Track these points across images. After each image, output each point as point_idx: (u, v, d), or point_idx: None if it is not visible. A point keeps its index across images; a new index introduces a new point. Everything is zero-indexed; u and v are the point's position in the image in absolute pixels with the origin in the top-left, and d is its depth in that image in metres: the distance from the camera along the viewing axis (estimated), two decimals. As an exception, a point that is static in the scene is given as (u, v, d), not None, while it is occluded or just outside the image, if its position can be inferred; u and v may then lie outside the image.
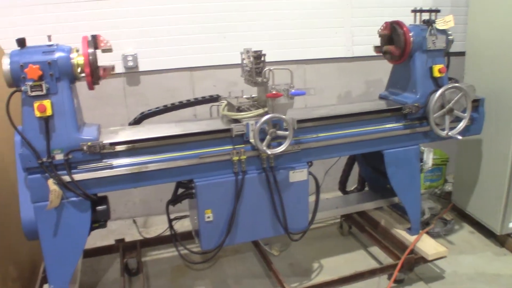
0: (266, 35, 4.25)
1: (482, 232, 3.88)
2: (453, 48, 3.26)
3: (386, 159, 3.15)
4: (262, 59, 2.75)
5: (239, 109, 2.81)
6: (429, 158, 3.26)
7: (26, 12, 3.67)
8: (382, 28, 3.17)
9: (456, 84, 3.08)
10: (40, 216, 2.43)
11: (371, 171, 3.69)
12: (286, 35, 4.33)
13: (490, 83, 3.52)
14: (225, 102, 2.97)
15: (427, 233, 3.45)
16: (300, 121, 2.78)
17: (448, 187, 4.60)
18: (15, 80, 2.25)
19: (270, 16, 4.25)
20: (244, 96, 2.98)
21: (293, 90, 2.66)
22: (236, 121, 2.75)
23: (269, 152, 2.66)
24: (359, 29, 4.45)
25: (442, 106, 3.08)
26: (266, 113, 2.69)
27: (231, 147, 2.72)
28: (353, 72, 4.61)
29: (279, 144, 2.71)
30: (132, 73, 4.07)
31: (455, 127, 3.15)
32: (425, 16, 3.13)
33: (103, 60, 2.48)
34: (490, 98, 3.40)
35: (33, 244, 2.67)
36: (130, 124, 2.96)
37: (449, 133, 3.12)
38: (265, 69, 2.70)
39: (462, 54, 3.89)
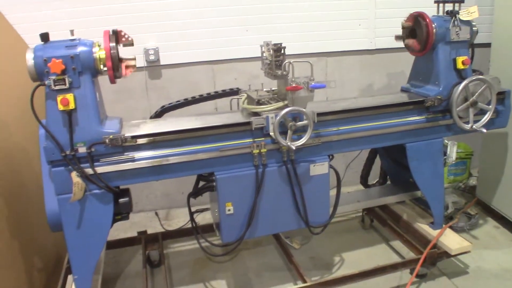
0: (289, 27, 4.23)
1: (507, 227, 3.80)
2: (478, 40, 3.19)
3: (409, 153, 3.11)
4: (282, 51, 2.73)
5: (259, 102, 2.80)
6: (452, 152, 3.20)
7: (49, 7, 3.72)
8: (405, 20, 3.13)
9: (480, 76, 3.01)
10: (64, 208, 2.48)
11: (394, 165, 3.65)
12: (308, 27, 4.30)
13: (517, 75, 3.44)
14: (245, 95, 2.97)
15: (451, 227, 3.40)
16: (320, 114, 2.76)
17: (473, 181, 4.52)
18: (39, 74, 2.29)
19: (293, 9, 4.22)
20: (264, 89, 2.98)
21: (313, 83, 2.64)
22: (256, 114, 2.75)
23: (290, 145, 2.65)
24: (382, 21, 4.39)
25: (466, 99, 3.02)
26: (286, 106, 2.68)
27: (251, 140, 2.72)
28: (375, 65, 4.56)
29: (300, 137, 2.70)
30: (154, 67, 4.10)
31: (479, 120, 3.08)
32: (449, 7, 3.07)
33: (124, 54, 2.51)
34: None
35: (58, 235, 2.72)
36: (151, 117, 2.99)
37: (474, 126, 3.06)
38: (285, 62, 2.69)
39: (487, 45, 3.81)
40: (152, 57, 4.01)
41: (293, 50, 3.07)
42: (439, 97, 3.02)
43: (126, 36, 2.46)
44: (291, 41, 3.49)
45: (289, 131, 2.67)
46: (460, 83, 2.98)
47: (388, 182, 3.91)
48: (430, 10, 3.10)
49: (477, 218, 3.90)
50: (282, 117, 2.59)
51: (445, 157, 3.22)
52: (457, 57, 3.04)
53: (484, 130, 3.08)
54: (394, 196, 3.63)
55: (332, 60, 4.46)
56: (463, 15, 3.01)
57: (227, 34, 4.13)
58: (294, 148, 2.65)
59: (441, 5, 3.11)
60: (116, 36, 2.43)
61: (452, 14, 3.01)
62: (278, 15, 4.20)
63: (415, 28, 3.11)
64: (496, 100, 3.06)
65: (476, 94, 2.99)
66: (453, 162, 3.33)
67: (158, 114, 2.98)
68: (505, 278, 3.21)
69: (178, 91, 4.07)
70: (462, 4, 3.05)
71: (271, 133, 2.66)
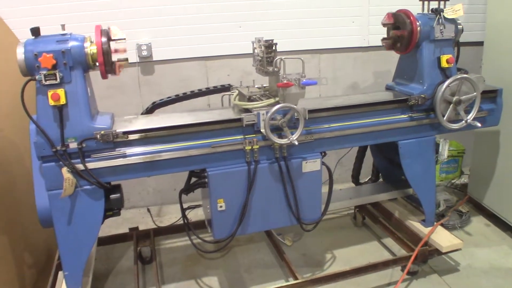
0: (282, 24, 4.22)
1: (498, 225, 3.82)
2: (472, 38, 3.18)
3: (401, 150, 3.11)
4: (274, 48, 2.72)
5: (250, 99, 2.80)
6: (444, 150, 3.22)
7: (40, 2, 3.69)
8: (385, 18, 3.12)
9: (464, 75, 2.98)
10: (55, 204, 2.47)
11: (386, 162, 3.66)
12: (302, 24, 4.29)
13: (509, 73, 3.44)
14: (237, 91, 2.96)
15: (442, 225, 3.41)
16: (311, 111, 2.76)
17: (464, 179, 4.55)
18: (30, 69, 2.27)
19: (287, 5, 4.22)
20: (256, 86, 2.97)
21: (304, 80, 2.63)
22: (247, 110, 2.73)
23: (279, 141, 2.65)
24: (375, 18, 4.38)
25: (449, 102, 3.01)
26: (277, 103, 2.68)
27: (243, 136, 2.71)
28: (368, 62, 4.56)
29: (291, 134, 2.69)
30: (146, 63, 4.08)
31: (460, 120, 3.07)
32: (434, 4, 3.05)
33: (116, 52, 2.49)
34: (509, 89, 3.32)
35: (49, 231, 2.70)
36: (143, 113, 2.97)
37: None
38: (276, 58, 2.68)
39: (480, 44, 3.81)
40: (144, 53, 3.99)
41: (286, 47, 3.05)
42: (423, 95, 3.00)
43: (118, 35, 2.45)
44: (284, 37, 3.47)
45: (285, 128, 2.66)
46: (444, 81, 2.97)
47: (380, 180, 3.91)
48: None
49: (468, 216, 3.92)
50: (273, 113, 2.59)
51: (437, 155, 3.23)
52: (441, 56, 3.02)
53: (479, 124, 3.07)
54: (386, 194, 3.63)
55: (325, 57, 4.46)
56: (448, 13, 2.98)
57: (220, 30, 4.12)
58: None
59: (426, 3, 3.08)
60: (108, 34, 2.41)
61: (437, 12, 2.99)
62: (272, 11, 4.19)
63: (398, 26, 3.09)
64: (480, 99, 3.05)
65: (457, 92, 2.98)
66: (445, 160, 3.33)
67: (149, 110, 2.97)
68: (496, 275, 3.22)
69: (171, 87, 4.05)
70: (447, 2, 3.04)
71: (262, 130, 2.65)
